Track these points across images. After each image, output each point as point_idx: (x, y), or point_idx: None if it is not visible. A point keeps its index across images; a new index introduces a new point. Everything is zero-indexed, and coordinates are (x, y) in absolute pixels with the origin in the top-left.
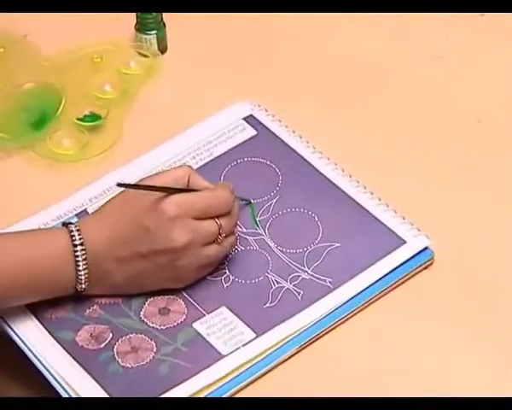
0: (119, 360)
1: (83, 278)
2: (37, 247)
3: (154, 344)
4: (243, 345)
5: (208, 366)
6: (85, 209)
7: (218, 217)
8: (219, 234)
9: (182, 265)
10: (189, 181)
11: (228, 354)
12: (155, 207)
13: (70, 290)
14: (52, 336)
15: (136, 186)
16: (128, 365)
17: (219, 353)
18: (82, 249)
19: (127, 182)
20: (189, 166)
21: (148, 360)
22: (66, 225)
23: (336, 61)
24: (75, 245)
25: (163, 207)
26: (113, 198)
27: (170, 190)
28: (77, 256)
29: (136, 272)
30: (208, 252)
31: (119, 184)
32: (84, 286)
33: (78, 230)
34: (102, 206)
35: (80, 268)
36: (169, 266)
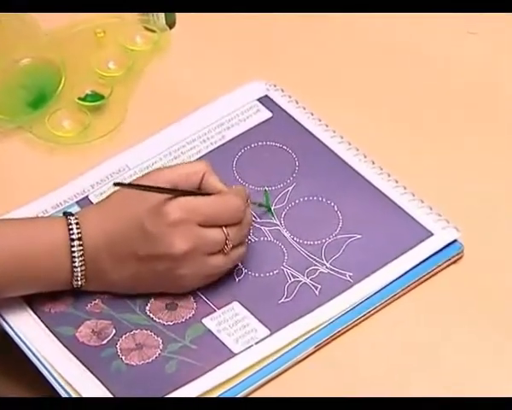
0: (123, 358)
1: (79, 274)
2: (35, 236)
3: (161, 341)
4: (256, 343)
5: (218, 365)
6: (87, 196)
7: (226, 225)
8: (226, 244)
9: (182, 273)
10: (202, 179)
11: (240, 353)
12: (158, 208)
13: (66, 285)
14: (51, 331)
15: (135, 186)
16: (132, 362)
17: (231, 351)
18: (79, 245)
19: (132, 166)
20: (206, 163)
21: (153, 357)
22: (66, 215)
23: (360, 39)
24: (72, 239)
25: (166, 210)
26: (117, 191)
27: (174, 192)
28: (73, 252)
29: (133, 273)
30: (212, 262)
31: (116, 184)
32: (80, 283)
33: (77, 223)
34: (106, 198)
35: (76, 264)
36: (168, 273)
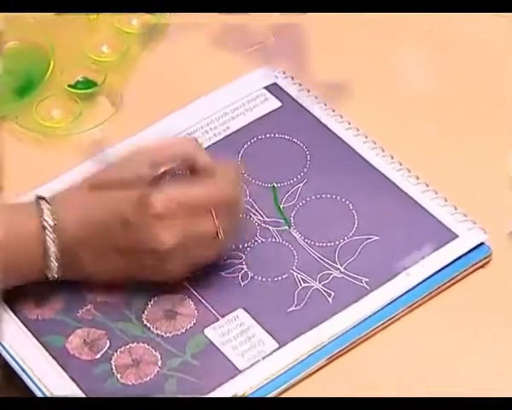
0: (118, 376)
1: (53, 264)
2: (7, 223)
3: (159, 356)
4: (263, 358)
5: (222, 384)
6: None
7: (217, 214)
8: (217, 233)
9: (170, 268)
10: (190, 159)
11: (245, 369)
12: (142, 198)
13: (41, 277)
14: (38, 341)
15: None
16: (128, 382)
17: (235, 367)
18: (53, 232)
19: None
20: (195, 139)
21: (151, 375)
22: (38, 200)
23: (375, 29)
24: (45, 228)
25: (150, 201)
26: (100, 173)
27: (156, 181)
28: (47, 241)
29: (113, 267)
30: (203, 253)
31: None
32: (56, 275)
33: (50, 208)
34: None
35: (50, 252)
36: (154, 267)
